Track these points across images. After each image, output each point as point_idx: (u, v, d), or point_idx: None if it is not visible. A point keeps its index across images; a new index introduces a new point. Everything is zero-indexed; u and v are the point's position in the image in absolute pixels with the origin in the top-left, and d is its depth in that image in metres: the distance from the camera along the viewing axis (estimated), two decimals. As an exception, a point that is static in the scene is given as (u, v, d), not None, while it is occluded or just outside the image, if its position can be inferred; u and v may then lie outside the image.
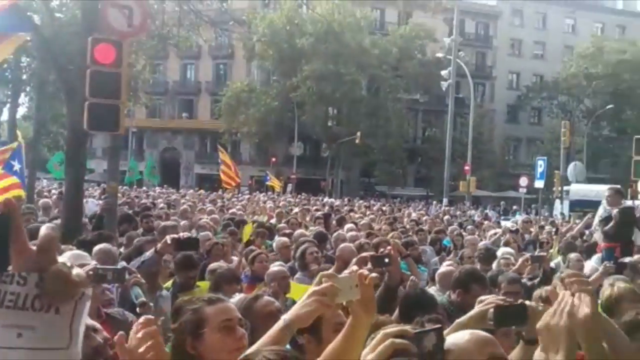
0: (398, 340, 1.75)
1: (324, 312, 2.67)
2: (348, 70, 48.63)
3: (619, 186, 12.10)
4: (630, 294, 4.71)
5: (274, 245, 9.51)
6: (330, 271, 2.52)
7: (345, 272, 2.42)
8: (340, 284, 2.31)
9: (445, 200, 35.86)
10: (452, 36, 38.77)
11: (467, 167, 37.35)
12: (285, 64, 50.98)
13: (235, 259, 7.88)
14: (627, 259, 7.58)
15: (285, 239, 9.40)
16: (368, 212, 19.67)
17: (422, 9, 54.87)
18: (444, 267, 6.94)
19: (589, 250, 10.87)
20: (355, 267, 2.47)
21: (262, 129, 51.62)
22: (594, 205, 13.52)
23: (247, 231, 9.67)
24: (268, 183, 40.03)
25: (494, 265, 7.73)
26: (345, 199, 32.96)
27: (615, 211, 10.44)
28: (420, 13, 55.43)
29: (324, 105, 51.77)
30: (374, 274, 2.37)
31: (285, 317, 2.40)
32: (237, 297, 4.13)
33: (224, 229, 10.75)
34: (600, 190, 12.60)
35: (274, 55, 50.83)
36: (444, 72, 37.77)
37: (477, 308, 2.76)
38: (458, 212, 26.45)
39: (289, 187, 44.41)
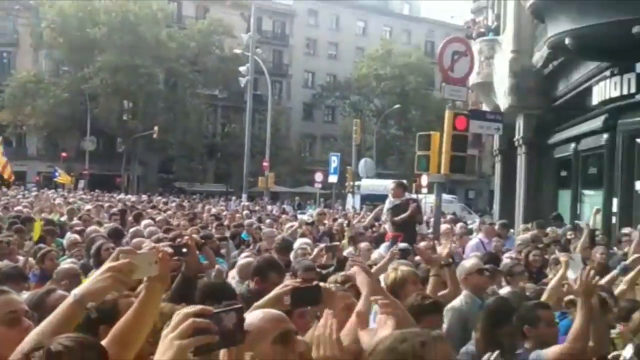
0: (199, 320, 1.77)
1: (120, 299, 2.62)
2: (144, 63, 47.25)
3: (402, 180, 13.09)
4: (412, 276, 5.16)
5: (64, 242, 9.14)
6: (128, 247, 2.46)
7: (145, 248, 2.39)
8: (139, 261, 2.27)
9: (244, 196, 36.10)
10: (250, 33, 39.13)
11: (265, 164, 37.91)
12: (76, 54, 48.28)
13: (21, 258, 7.47)
14: (402, 245, 8.19)
15: (76, 235, 9.08)
16: (166, 209, 19.41)
17: (219, 3, 55.15)
18: (242, 259, 7.07)
19: (378, 240, 11.64)
20: (152, 244, 2.44)
21: (51, 121, 48.59)
22: (382, 198, 14.32)
23: (38, 229, 9.19)
24: (57, 179, 37.99)
25: (292, 255, 7.97)
26: (145, 195, 32.11)
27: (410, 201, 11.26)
28: (218, 8, 55.54)
29: (119, 98, 49.98)
30: (169, 249, 2.38)
31: (75, 292, 2.30)
32: (27, 293, 3.92)
33: (10, 227, 10.09)
34: (388, 185, 13.43)
35: (64, 44, 48.07)
36: (242, 69, 38.01)
37: (274, 291, 2.86)
38: (257, 207, 26.80)
39: (81, 183, 42.50)
